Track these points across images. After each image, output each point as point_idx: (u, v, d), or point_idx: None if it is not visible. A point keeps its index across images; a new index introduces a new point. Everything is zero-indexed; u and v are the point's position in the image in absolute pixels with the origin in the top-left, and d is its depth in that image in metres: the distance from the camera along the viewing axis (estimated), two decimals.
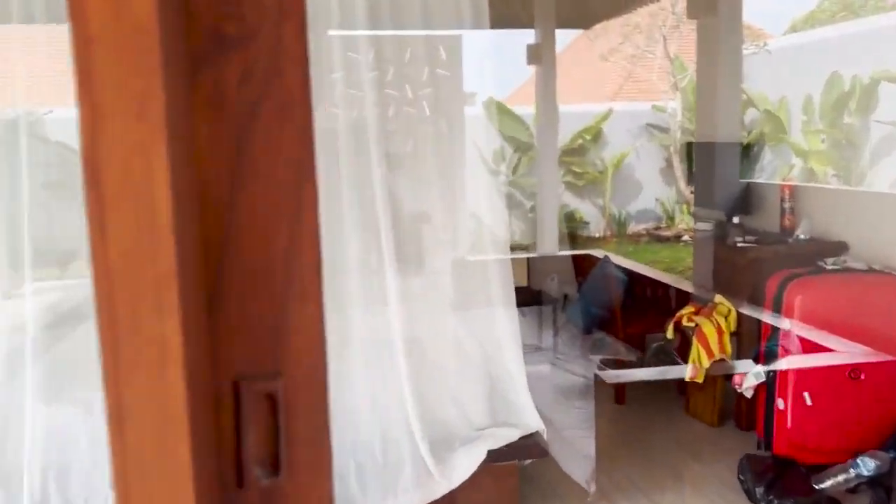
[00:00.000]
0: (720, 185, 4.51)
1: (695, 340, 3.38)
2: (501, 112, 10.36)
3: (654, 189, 11.01)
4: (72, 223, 2.62)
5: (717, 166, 4.52)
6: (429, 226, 2.94)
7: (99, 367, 0.52)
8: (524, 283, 4.62)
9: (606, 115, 10.67)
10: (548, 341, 4.10)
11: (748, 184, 4.68)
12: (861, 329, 3.05)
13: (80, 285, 2.63)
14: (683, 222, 10.44)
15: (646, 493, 3.04)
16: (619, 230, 10.78)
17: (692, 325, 3.43)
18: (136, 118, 0.52)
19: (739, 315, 3.43)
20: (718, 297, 3.53)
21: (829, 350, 3.06)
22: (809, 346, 3.08)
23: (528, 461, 2.73)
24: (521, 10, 6.72)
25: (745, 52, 6.16)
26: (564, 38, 13.63)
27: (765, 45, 9.96)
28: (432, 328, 2.82)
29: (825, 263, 3.64)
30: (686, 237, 9.74)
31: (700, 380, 3.38)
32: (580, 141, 10.65)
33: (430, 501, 2.52)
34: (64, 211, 2.68)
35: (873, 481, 2.67)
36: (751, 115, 9.71)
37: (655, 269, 5.94)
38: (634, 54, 11.72)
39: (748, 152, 9.12)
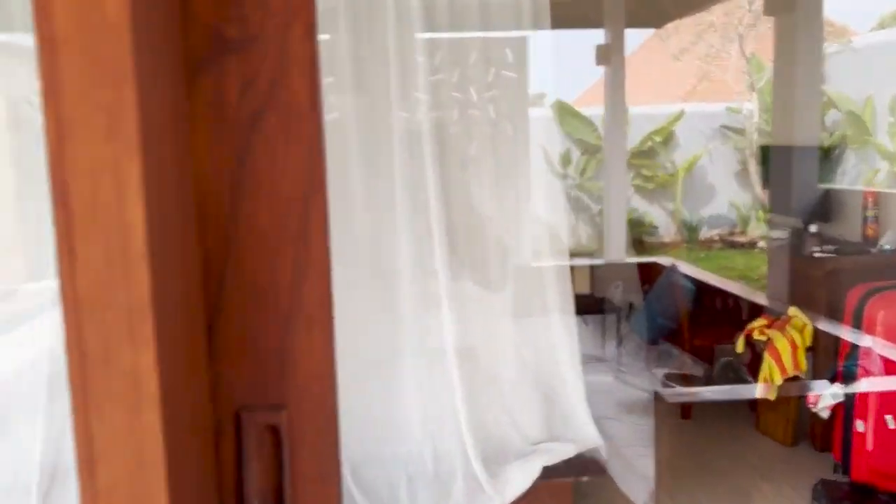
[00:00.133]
0: (797, 190, 4.28)
1: (766, 355, 3.20)
2: (569, 114, 10.20)
3: (728, 193, 10.63)
4: None
5: (794, 171, 4.29)
6: (488, 230, 2.87)
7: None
8: (587, 291, 4.49)
9: (678, 117, 10.37)
10: (610, 352, 3.97)
11: (828, 190, 4.44)
12: None
13: None
14: (759, 228, 10.04)
15: None
16: (689, 235, 10.45)
17: (764, 338, 3.25)
18: (106, 133, 0.47)
19: (815, 330, 3.23)
20: (793, 310, 3.34)
21: None
22: (893, 367, 2.87)
23: (585, 478, 2.63)
24: (590, 10, 6.59)
25: (827, 50, 5.86)
26: (636, 38, 13.34)
27: (849, 42, 9.48)
28: (487, 337, 2.74)
29: None
30: (761, 244, 9.36)
31: (772, 397, 3.20)
32: (650, 143, 10.39)
33: None
34: None
35: None
36: (832, 116, 9.26)
37: (727, 277, 5.70)
38: (708, 54, 11.36)
39: (828, 156, 8.70)
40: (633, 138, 10.20)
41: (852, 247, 3.97)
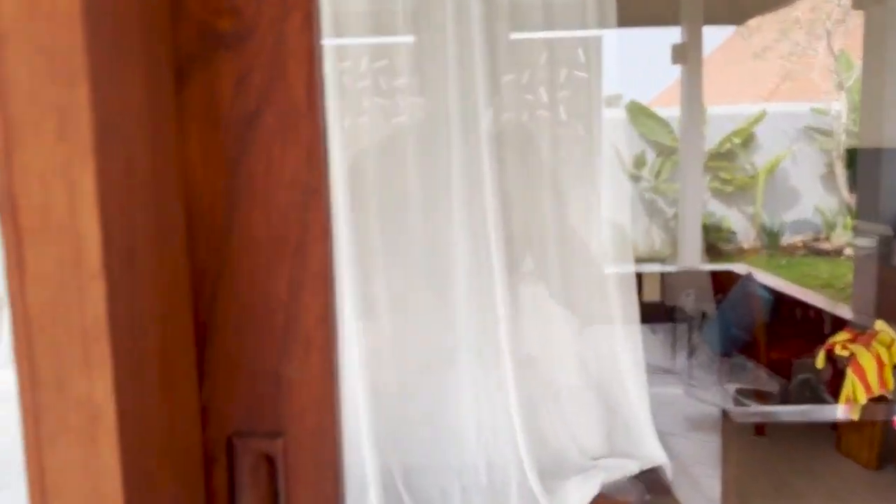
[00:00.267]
0: (887, 195, 4.01)
1: (849, 372, 2.99)
2: (644, 114, 9.94)
3: (812, 197, 10.14)
4: None
5: (883, 175, 4.02)
6: (552, 234, 2.77)
7: None
8: (657, 299, 4.33)
9: (759, 117, 9.95)
10: (680, 364, 3.80)
11: None
12: None
13: None
14: (846, 235, 9.54)
15: None
16: (770, 241, 10.01)
17: (847, 354, 3.04)
18: (56, 136, 0.42)
19: None
20: (880, 324, 3.11)
21: None
22: None
23: (648, 498, 2.50)
24: (667, 8, 6.39)
25: None
26: (716, 36, 12.91)
27: None
28: (546, 344, 2.65)
29: None
30: (848, 251, 8.89)
31: (855, 417, 2.99)
32: (729, 145, 10.01)
33: None
34: None
35: None
36: None
37: (810, 286, 5.41)
38: (793, 52, 10.87)
39: None
40: (712, 140, 9.85)
41: None
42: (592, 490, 2.39)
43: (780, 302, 3.95)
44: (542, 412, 2.55)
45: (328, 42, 2.43)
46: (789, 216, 10.17)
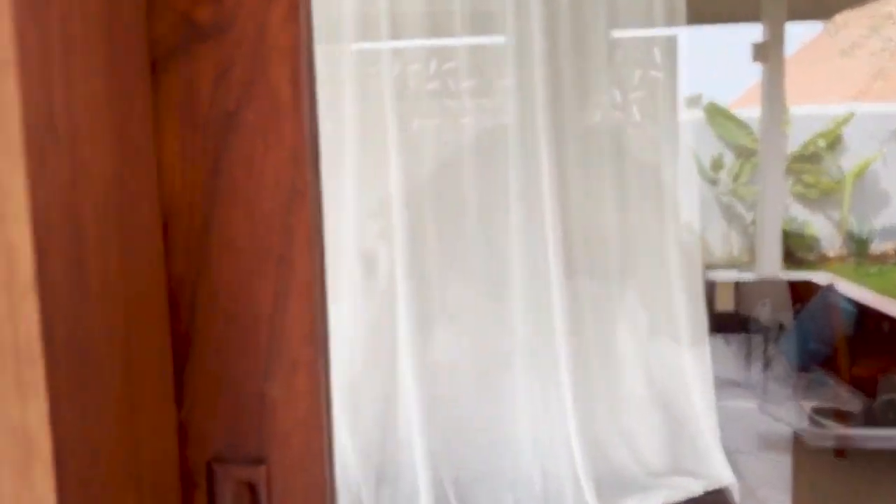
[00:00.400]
0: None
1: None
2: (722, 116, 9.59)
3: None
4: None
5: None
6: (616, 239, 2.66)
7: None
8: (731, 308, 4.13)
9: (847, 118, 9.45)
10: (754, 377, 3.61)
11: None
12: None
13: None
14: None
15: None
16: (858, 249, 9.49)
17: None
18: None
19: None
20: None
21: None
22: None
23: None
24: (748, 4, 6.14)
25: None
26: (803, 34, 12.39)
27: None
28: (606, 354, 2.55)
29: None
30: None
31: None
32: (813, 147, 9.54)
33: None
34: None
35: None
36: None
37: None
38: (885, 48, 10.29)
39: None
40: (796, 141, 9.41)
41: None
42: None
43: (865, 314, 3.70)
44: (601, 424, 2.45)
45: (391, 44, 2.40)
46: (879, 222, 9.61)
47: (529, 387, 2.44)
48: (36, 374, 0.40)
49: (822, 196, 9.60)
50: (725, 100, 10.05)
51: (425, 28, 2.42)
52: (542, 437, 2.42)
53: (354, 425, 2.35)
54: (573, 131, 2.47)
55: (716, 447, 2.47)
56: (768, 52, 6.13)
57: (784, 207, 8.17)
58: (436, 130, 2.49)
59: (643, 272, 2.63)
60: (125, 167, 0.49)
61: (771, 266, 5.63)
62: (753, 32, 6.43)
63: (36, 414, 0.40)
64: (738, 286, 4.37)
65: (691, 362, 2.54)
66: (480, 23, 2.46)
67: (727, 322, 3.98)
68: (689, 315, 2.53)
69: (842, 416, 3.04)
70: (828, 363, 3.45)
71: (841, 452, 3.32)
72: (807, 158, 9.52)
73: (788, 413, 3.02)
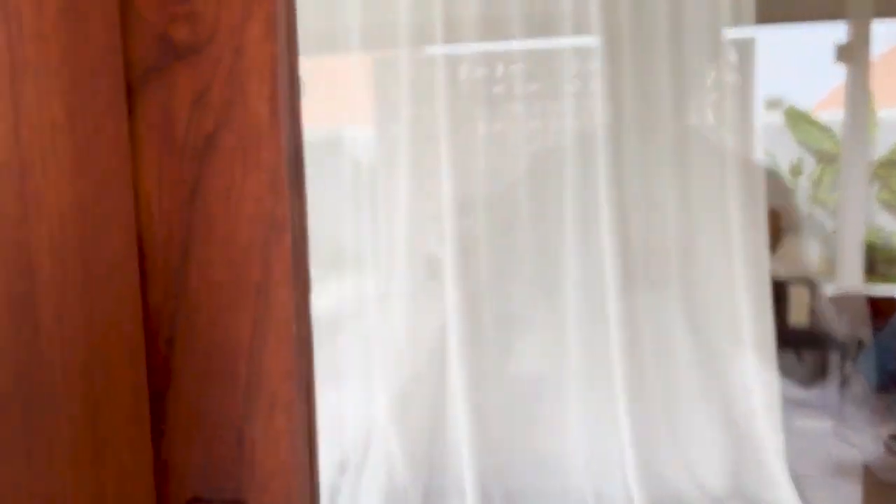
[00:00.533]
0: None
1: None
2: (803, 120, 9.21)
3: None
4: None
5: None
6: (681, 247, 2.56)
7: None
8: (805, 323, 3.93)
9: None
10: (828, 397, 3.42)
11: None
12: None
13: (351, 291, 2.68)
14: None
15: None
16: None
17: None
18: None
19: None
20: None
21: None
22: None
23: None
24: (832, 3, 5.87)
25: None
26: (890, 33, 11.80)
27: None
28: (663, 369, 2.45)
29: None
30: None
31: None
32: None
33: None
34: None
35: None
36: None
37: None
38: None
39: None
40: (884, 146, 8.95)
41: None
42: None
43: None
44: (657, 442, 2.35)
45: (452, 49, 2.37)
46: None
47: (583, 401, 2.37)
48: None
49: None
50: (807, 103, 9.64)
51: (484, 32, 2.38)
52: (595, 454, 2.34)
53: (404, 434, 2.33)
54: (650, 136, 2.39)
55: (781, 472, 2.34)
56: (853, 53, 5.85)
57: (868, 216, 7.76)
58: (500, 134, 2.45)
59: (707, 284, 2.52)
60: (90, 197, 0.46)
61: (851, 278, 5.36)
62: (837, 32, 6.15)
63: None
64: (813, 298, 4.16)
65: (757, 378, 2.41)
66: (540, 25, 2.41)
67: (800, 337, 3.78)
68: (756, 328, 2.41)
69: None
70: None
71: None
72: (895, 164, 9.04)
73: (863, 438, 2.84)
